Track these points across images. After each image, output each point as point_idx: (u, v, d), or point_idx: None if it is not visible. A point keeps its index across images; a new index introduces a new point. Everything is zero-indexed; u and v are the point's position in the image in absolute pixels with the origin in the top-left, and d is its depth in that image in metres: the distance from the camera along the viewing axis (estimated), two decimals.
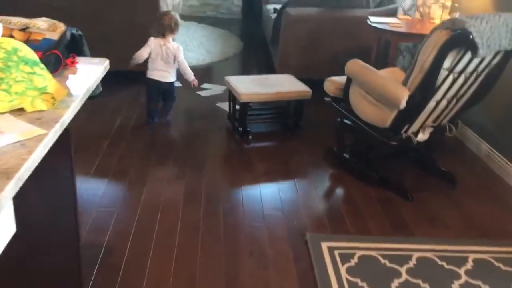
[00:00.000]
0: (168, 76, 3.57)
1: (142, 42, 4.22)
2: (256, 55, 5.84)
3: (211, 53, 5.43)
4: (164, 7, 4.19)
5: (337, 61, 3.01)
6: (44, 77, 1.28)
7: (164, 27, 3.48)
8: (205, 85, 4.35)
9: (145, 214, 2.56)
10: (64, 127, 1.18)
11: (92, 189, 2.75)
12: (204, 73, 4.84)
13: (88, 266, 2.15)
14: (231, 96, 3.62)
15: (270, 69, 4.86)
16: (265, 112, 3.82)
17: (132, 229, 2.43)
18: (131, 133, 3.46)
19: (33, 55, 1.32)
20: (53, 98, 1.24)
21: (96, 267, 2.16)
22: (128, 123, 3.62)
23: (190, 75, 3.62)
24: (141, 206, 2.62)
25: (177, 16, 3.57)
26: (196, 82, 3.67)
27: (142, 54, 3.50)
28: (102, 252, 2.26)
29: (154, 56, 3.50)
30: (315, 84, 3.22)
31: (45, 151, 1.06)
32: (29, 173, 0.99)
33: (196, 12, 7.62)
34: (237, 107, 3.60)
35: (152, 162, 3.09)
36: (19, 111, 1.21)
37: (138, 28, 4.17)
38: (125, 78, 4.45)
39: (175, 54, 3.50)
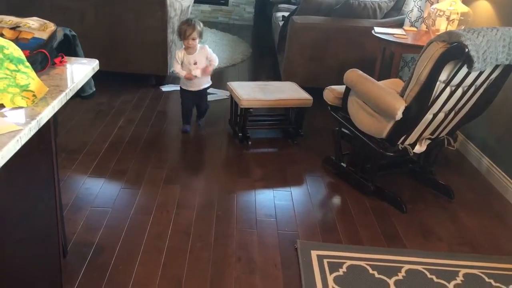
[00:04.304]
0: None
1: (149, 46, 4.28)
2: (264, 62, 5.86)
3: (219, 58, 5.42)
4: (172, 12, 4.23)
5: (342, 70, 3.01)
6: (27, 75, 1.31)
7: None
8: (210, 90, 4.37)
9: (138, 216, 2.58)
10: (41, 124, 1.19)
11: (88, 188, 2.78)
12: (210, 78, 4.85)
13: (77, 264, 2.18)
14: (233, 102, 3.64)
15: (276, 77, 4.87)
16: (266, 118, 3.84)
17: (124, 229, 2.45)
18: (132, 135, 3.49)
19: (19, 53, 1.34)
20: (34, 95, 1.26)
21: (85, 266, 2.18)
22: (130, 125, 3.65)
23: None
24: (135, 207, 2.65)
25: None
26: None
27: None
28: (92, 250, 2.28)
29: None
30: (320, 93, 3.20)
31: (17, 148, 1.07)
32: None
33: (208, 17, 7.68)
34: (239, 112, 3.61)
35: (150, 164, 3.11)
36: None
37: (145, 32, 4.23)
38: (132, 80, 4.52)
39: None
